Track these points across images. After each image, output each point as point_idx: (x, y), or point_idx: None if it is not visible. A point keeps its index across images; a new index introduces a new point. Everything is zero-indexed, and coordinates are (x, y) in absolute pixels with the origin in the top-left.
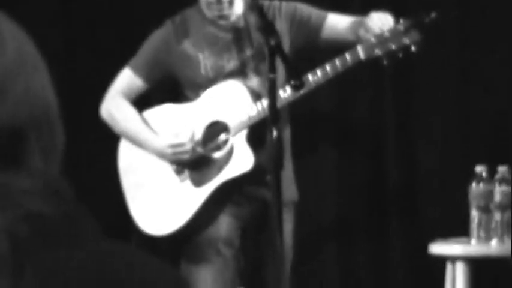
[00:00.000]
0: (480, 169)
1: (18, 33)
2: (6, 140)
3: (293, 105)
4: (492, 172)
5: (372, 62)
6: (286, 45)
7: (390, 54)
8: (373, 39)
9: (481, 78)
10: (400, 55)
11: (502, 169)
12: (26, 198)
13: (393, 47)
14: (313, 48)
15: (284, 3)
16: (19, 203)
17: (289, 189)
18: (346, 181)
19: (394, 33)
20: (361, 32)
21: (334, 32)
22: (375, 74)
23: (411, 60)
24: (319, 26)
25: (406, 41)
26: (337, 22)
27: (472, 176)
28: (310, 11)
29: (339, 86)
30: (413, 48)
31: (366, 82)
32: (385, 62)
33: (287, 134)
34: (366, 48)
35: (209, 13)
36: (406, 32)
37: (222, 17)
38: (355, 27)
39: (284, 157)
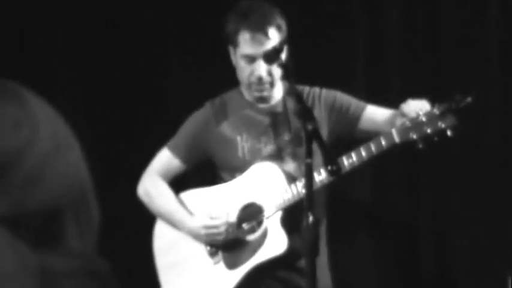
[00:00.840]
0: None
1: (51, 115)
2: (45, 220)
3: (329, 191)
4: None
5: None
6: (324, 132)
7: (425, 138)
8: (408, 123)
9: None
10: (436, 139)
11: None
12: (63, 281)
13: (428, 131)
14: (351, 138)
15: (324, 91)
16: (58, 286)
17: (324, 276)
18: (381, 268)
19: (430, 117)
20: (398, 121)
21: (372, 123)
22: (409, 161)
23: (446, 146)
24: (357, 116)
25: (442, 125)
26: (376, 114)
27: (509, 282)
28: (350, 101)
29: (374, 175)
30: (449, 132)
31: (401, 170)
32: (420, 146)
33: (323, 219)
34: (401, 131)
35: (250, 94)
36: (442, 116)
37: (262, 98)
38: (393, 119)
39: (319, 243)
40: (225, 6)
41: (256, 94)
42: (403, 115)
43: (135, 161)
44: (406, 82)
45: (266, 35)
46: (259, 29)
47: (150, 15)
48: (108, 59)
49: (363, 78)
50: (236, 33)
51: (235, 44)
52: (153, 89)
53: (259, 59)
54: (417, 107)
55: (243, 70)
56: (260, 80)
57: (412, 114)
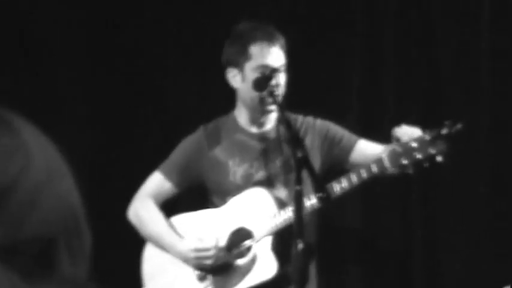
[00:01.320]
0: None
1: (44, 142)
2: (39, 248)
3: (320, 217)
4: None
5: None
6: (317, 162)
7: (416, 164)
8: (399, 149)
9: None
10: (426, 165)
11: None
12: None
13: (419, 156)
14: (342, 169)
15: (318, 121)
16: None
17: None
18: None
19: (420, 143)
20: (389, 149)
21: (363, 156)
22: (401, 186)
23: (438, 175)
24: (349, 148)
25: (432, 151)
26: (367, 147)
27: None
28: (343, 133)
29: (365, 200)
30: (439, 158)
31: (393, 195)
32: (410, 171)
33: (314, 245)
34: (391, 157)
35: (258, 109)
36: (432, 142)
37: (269, 112)
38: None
39: (309, 270)
40: (225, 6)
41: (268, 108)
42: (396, 139)
43: (128, 183)
44: (400, 108)
45: (281, 45)
46: (274, 39)
47: (149, 15)
48: (107, 61)
49: (358, 103)
50: (246, 47)
51: (244, 60)
52: (152, 91)
53: (278, 69)
54: (410, 131)
55: None
56: (279, 89)
57: (405, 138)
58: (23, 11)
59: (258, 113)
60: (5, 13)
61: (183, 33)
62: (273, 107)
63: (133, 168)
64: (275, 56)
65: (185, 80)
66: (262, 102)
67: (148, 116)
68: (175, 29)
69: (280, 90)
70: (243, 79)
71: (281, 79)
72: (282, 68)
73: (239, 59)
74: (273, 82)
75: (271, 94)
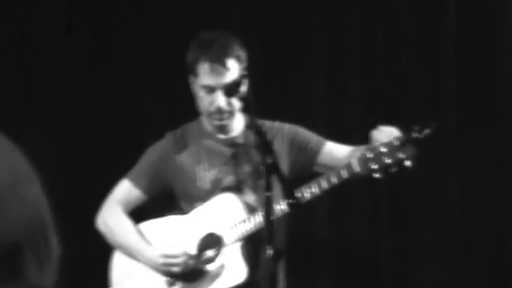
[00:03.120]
0: None
1: (10, 150)
2: (4, 254)
3: (289, 223)
4: None
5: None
6: (285, 166)
7: (385, 168)
8: (368, 154)
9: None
10: (394, 170)
11: None
12: None
13: (388, 161)
14: (311, 172)
15: (286, 126)
16: None
17: None
18: None
19: (390, 148)
20: (357, 153)
21: (330, 159)
22: (370, 196)
23: (408, 176)
24: (316, 151)
25: (401, 155)
26: (335, 149)
27: None
28: (311, 137)
29: (333, 205)
30: (408, 162)
31: (362, 205)
32: (378, 176)
33: (283, 250)
34: (361, 161)
35: (210, 123)
36: (402, 146)
37: (222, 127)
38: (352, 155)
39: (278, 276)
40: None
41: (216, 123)
42: (375, 141)
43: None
44: (366, 108)
45: (225, 66)
46: (219, 60)
47: (141, 19)
48: (84, 65)
49: (324, 107)
50: (196, 63)
51: (195, 74)
52: (123, 98)
53: (218, 89)
54: (389, 132)
55: (203, 100)
56: (219, 110)
57: (385, 139)
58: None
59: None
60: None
61: (161, 37)
62: (220, 123)
63: (101, 176)
64: (219, 78)
65: (156, 88)
66: (209, 117)
67: (117, 123)
68: (155, 32)
69: (224, 107)
70: (195, 90)
71: (220, 98)
72: (225, 88)
73: (192, 72)
74: (243, 88)
75: (243, 99)
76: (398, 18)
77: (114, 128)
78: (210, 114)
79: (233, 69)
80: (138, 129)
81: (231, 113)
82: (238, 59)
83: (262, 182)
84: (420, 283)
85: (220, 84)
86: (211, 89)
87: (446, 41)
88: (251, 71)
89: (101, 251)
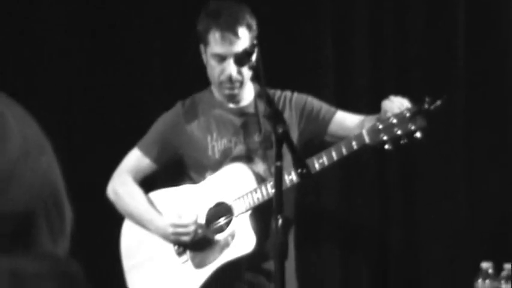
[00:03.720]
0: (486, 266)
1: (23, 118)
2: (17, 224)
3: (298, 194)
4: (498, 269)
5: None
6: (294, 136)
7: (395, 140)
8: (379, 125)
9: (488, 175)
10: (405, 141)
11: (508, 266)
12: (34, 283)
13: (399, 132)
14: (321, 142)
15: (296, 94)
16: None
17: (291, 280)
18: (349, 275)
19: (400, 119)
20: (368, 123)
21: (341, 128)
22: (379, 169)
23: (417, 152)
24: (327, 120)
25: (412, 126)
26: (346, 119)
27: (478, 272)
28: (321, 105)
29: (344, 184)
30: (418, 134)
31: (371, 178)
32: (389, 147)
33: (292, 220)
34: (371, 132)
35: (220, 93)
36: (412, 118)
37: (232, 96)
38: (362, 125)
39: (288, 246)
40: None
41: (227, 92)
42: (386, 111)
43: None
44: (373, 83)
45: (236, 34)
46: (229, 28)
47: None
48: (90, 49)
49: (332, 78)
50: (207, 32)
51: (206, 43)
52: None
53: (229, 58)
54: (400, 102)
55: (214, 69)
56: (230, 79)
57: (396, 110)
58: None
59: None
60: None
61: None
62: (231, 92)
63: (113, 146)
64: (231, 46)
65: (167, 61)
66: (220, 86)
67: (129, 93)
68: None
69: (235, 76)
70: (206, 60)
71: (231, 67)
72: (237, 53)
73: (203, 41)
74: (253, 57)
75: (253, 68)
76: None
77: (126, 97)
78: (221, 83)
79: (244, 37)
80: (151, 97)
81: (241, 83)
82: (248, 27)
83: (272, 152)
84: (427, 256)
85: (231, 52)
86: (222, 58)
87: (458, 9)
88: (261, 40)
89: (111, 219)
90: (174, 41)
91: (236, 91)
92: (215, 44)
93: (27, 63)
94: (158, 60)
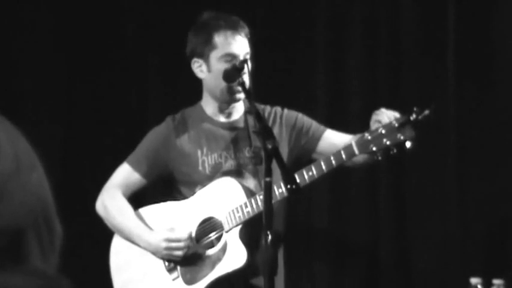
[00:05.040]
0: (475, 281)
1: (13, 134)
2: (7, 240)
3: (288, 208)
4: (487, 285)
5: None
6: (284, 152)
7: (384, 150)
8: (368, 135)
9: (479, 191)
10: (394, 151)
11: (497, 282)
12: None
13: (388, 143)
14: (310, 159)
15: (286, 111)
16: None
17: None
18: None
19: (388, 130)
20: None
21: (331, 146)
22: (370, 183)
23: (408, 166)
24: (317, 138)
25: (401, 137)
26: (335, 137)
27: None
28: (311, 123)
29: (332, 191)
30: (407, 144)
31: (361, 193)
32: (378, 158)
33: (282, 235)
34: (360, 143)
35: (229, 98)
36: (401, 128)
37: (231, 105)
38: (353, 139)
39: (278, 262)
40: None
41: (236, 96)
42: (376, 122)
43: (98, 176)
44: (366, 97)
45: (244, 33)
46: (238, 28)
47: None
48: (78, 54)
49: (323, 98)
50: (211, 37)
51: (209, 49)
52: (122, 83)
53: (246, 58)
54: (390, 114)
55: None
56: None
57: (386, 120)
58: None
59: (226, 103)
60: None
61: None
62: (241, 96)
63: (104, 162)
64: (239, 44)
65: (155, 74)
66: (230, 91)
67: (119, 108)
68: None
69: (247, 79)
70: (209, 69)
71: (247, 68)
72: (248, 56)
73: (204, 49)
74: (243, 73)
75: (242, 85)
76: (400, 5)
77: (115, 112)
78: (231, 88)
79: (247, 40)
80: (139, 111)
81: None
82: (248, 33)
83: (262, 167)
84: (417, 271)
85: (243, 51)
86: (233, 57)
87: (447, 26)
88: (252, 56)
89: (101, 235)
90: (171, 53)
91: (242, 95)
92: (226, 44)
93: (16, 75)
94: (152, 73)
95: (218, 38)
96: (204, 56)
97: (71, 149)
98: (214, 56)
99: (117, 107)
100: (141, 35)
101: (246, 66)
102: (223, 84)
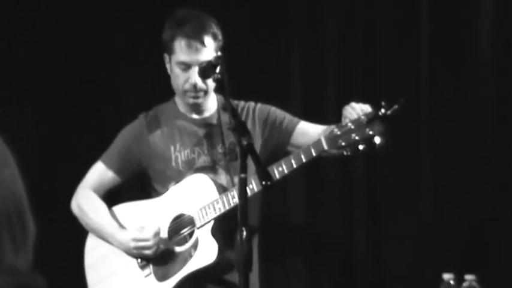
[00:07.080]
0: (448, 277)
1: None
2: None
3: (264, 213)
4: (460, 280)
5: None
6: (257, 146)
7: (353, 145)
8: (336, 131)
9: (451, 188)
10: (364, 146)
11: (469, 277)
12: None
13: (356, 137)
14: (284, 152)
15: (259, 105)
16: None
17: None
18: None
19: (357, 125)
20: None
21: (304, 138)
22: (344, 179)
23: (381, 162)
24: (290, 130)
25: (369, 132)
26: (309, 128)
27: (440, 283)
28: (284, 116)
29: (309, 194)
30: (377, 140)
31: (335, 187)
32: (347, 153)
33: (257, 230)
34: (329, 139)
35: (184, 102)
36: (369, 123)
37: (197, 106)
38: (323, 133)
39: (253, 258)
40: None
41: (191, 101)
42: (345, 117)
43: (73, 176)
44: (341, 88)
45: (202, 42)
46: (195, 36)
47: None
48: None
49: (298, 89)
50: (172, 40)
51: (170, 51)
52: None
53: (194, 66)
54: (360, 109)
55: (178, 77)
56: (195, 87)
57: (354, 116)
58: None
59: (186, 103)
60: None
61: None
62: (195, 101)
63: (79, 161)
64: (195, 53)
65: (130, 74)
66: (184, 95)
67: (92, 107)
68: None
69: (199, 84)
70: (171, 69)
71: (196, 75)
72: (201, 64)
73: (168, 50)
74: (218, 69)
75: (218, 81)
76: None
77: (89, 111)
78: (185, 92)
79: (209, 46)
80: (113, 109)
81: (205, 92)
82: (214, 36)
83: (236, 164)
84: (391, 267)
85: (196, 60)
86: (187, 66)
87: (420, 18)
88: (227, 51)
89: (76, 233)
90: (143, 51)
91: (200, 100)
92: (181, 51)
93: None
94: (127, 71)
95: (177, 44)
96: (168, 54)
97: (45, 148)
98: (173, 59)
99: (91, 105)
100: (115, 40)
101: (220, 61)
102: (179, 87)
